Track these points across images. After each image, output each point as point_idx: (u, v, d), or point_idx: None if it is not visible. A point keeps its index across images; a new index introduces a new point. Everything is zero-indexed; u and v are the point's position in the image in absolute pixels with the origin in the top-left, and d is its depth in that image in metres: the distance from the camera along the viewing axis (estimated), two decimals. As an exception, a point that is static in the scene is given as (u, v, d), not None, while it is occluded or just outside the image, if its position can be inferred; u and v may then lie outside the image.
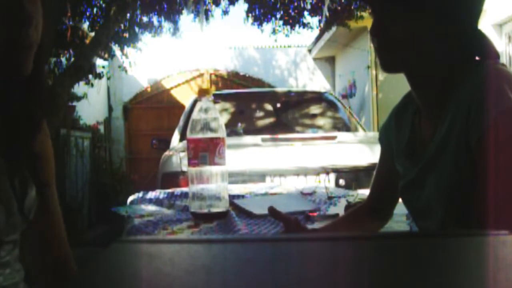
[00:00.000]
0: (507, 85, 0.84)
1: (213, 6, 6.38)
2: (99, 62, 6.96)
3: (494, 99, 0.84)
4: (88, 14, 5.52)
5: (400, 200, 1.19)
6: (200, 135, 1.46)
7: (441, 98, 0.95)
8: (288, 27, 6.54)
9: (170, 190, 2.04)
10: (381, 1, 0.98)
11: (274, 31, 6.67)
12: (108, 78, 8.33)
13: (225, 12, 6.44)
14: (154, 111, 9.36)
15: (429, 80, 0.98)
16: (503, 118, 0.82)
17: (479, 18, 0.97)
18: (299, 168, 3.15)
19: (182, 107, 7.22)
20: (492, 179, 0.84)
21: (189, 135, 1.49)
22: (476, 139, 0.85)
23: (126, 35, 5.98)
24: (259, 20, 6.43)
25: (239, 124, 4.08)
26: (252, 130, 4.03)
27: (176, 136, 4.01)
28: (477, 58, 0.96)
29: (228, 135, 1.71)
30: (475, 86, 0.88)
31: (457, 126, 0.89)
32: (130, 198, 1.95)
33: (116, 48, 6.21)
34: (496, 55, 0.96)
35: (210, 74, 9.62)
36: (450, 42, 0.95)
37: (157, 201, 1.84)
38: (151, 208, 1.74)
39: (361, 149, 3.31)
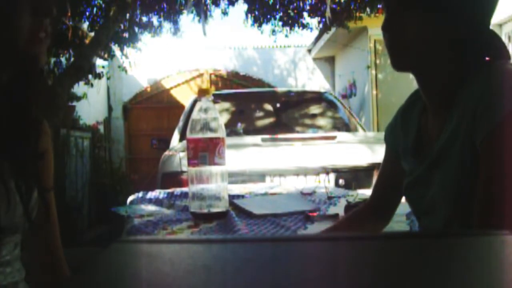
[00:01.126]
0: None
1: (213, 7, 6.39)
2: (99, 62, 6.96)
3: (501, 99, 0.84)
4: (88, 14, 5.52)
5: (401, 200, 1.20)
6: (200, 135, 1.46)
7: (449, 97, 0.95)
8: (287, 27, 6.54)
9: (170, 190, 2.04)
10: None
11: (273, 32, 6.68)
12: (108, 78, 8.33)
13: (225, 13, 6.45)
14: (154, 111, 9.36)
15: (438, 79, 0.98)
16: (509, 119, 0.82)
17: (491, 18, 0.97)
18: (299, 168, 3.15)
19: (182, 107, 7.22)
20: (496, 179, 0.84)
21: (189, 135, 1.49)
22: (482, 139, 0.85)
23: (126, 35, 5.98)
24: (259, 20, 6.43)
25: (239, 124, 4.08)
26: (252, 130, 4.03)
27: (176, 136, 4.01)
28: (487, 58, 0.96)
29: (228, 135, 1.72)
30: (483, 85, 0.87)
31: (463, 125, 0.89)
32: (130, 198, 1.95)
33: (116, 48, 6.21)
34: (508, 56, 0.95)
35: (210, 74, 9.62)
36: (461, 41, 0.95)
37: (157, 201, 1.84)
38: (151, 208, 1.74)
39: (361, 149, 3.31)
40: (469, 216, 0.88)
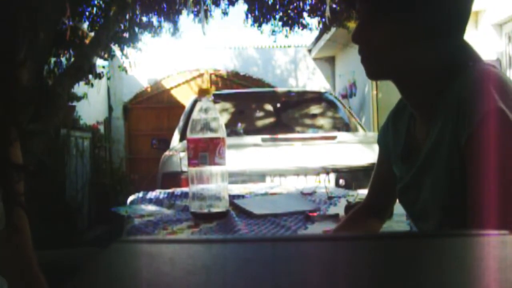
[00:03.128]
0: (493, 85, 0.85)
1: (213, 7, 6.39)
2: (99, 62, 6.95)
3: (481, 99, 0.84)
4: (88, 14, 5.52)
5: (396, 199, 1.20)
6: (200, 135, 1.46)
7: (431, 102, 0.95)
8: (287, 27, 6.54)
9: (170, 190, 2.05)
10: (365, 8, 0.98)
11: (273, 32, 6.68)
12: (108, 78, 8.33)
13: (225, 13, 6.45)
14: (154, 111, 9.36)
15: (416, 86, 0.98)
16: (488, 119, 0.83)
17: (465, 24, 0.97)
18: (299, 168, 3.15)
19: (182, 107, 7.22)
20: (481, 179, 0.84)
21: (189, 135, 1.49)
22: (465, 140, 0.85)
23: (126, 35, 5.98)
24: (259, 21, 6.43)
25: (239, 124, 4.08)
26: (252, 130, 4.03)
27: (176, 136, 4.01)
28: (463, 61, 0.96)
29: (228, 135, 1.72)
30: (464, 87, 0.88)
31: (448, 128, 0.89)
32: (130, 198, 1.96)
33: (116, 48, 6.20)
34: (480, 59, 0.96)
35: (210, 74, 9.62)
36: (436, 47, 0.95)
37: (157, 201, 1.84)
38: (151, 208, 1.74)
39: (361, 149, 3.31)
40: (462, 218, 0.88)
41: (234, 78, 9.63)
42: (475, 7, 1.03)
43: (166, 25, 6.51)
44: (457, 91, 0.89)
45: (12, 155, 0.93)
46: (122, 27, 5.70)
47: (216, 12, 9.96)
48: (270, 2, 6.22)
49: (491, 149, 0.83)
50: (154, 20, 6.39)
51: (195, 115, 1.48)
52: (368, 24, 0.96)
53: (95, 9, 5.59)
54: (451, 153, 0.89)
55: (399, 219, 1.43)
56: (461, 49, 0.96)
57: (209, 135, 1.45)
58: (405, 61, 0.96)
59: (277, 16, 6.44)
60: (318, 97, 4.65)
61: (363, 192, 1.84)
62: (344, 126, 4.19)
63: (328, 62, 9.78)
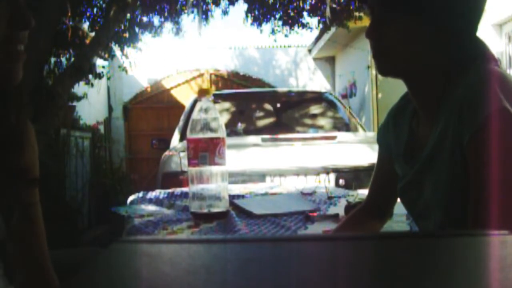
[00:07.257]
0: (498, 85, 0.85)
1: (213, 6, 6.39)
2: (99, 62, 6.95)
3: (485, 99, 0.84)
4: (88, 14, 5.52)
5: (397, 199, 1.20)
6: (200, 135, 1.46)
7: (437, 101, 0.95)
8: (287, 27, 6.55)
9: (170, 190, 2.05)
10: (377, 5, 0.98)
11: (273, 31, 6.68)
12: (108, 78, 8.33)
13: (225, 12, 6.45)
14: (154, 111, 9.36)
15: (426, 84, 0.98)
16: (492, 118, 0.83)
17: (477, 22, 0.97)
18: (299, 168, 3.15)
19: (182, 107, 7.22)
20: (483, 178, 0.84)
21: (189, 135, 1.49)
22: (468, 139, 0.85)
23: (126, 35, 5.98)
24: (259, 20, 6.44)
25: (239, 124, 4.08)
26: (252, 130, 4.03)
27: (176, 136, 4.01)
28: (472, 60, 0.96)
29: (228, 135, 1.72)
30: (468, 86, 0.88)
31: (451, 126, 0.89)
32: (130, 198, 1.96)
33: (116, 48, 6.20)
34: (493, 57, 0.96)
35: (210, 74, 9.62)
36: (446, 45, 0.95)
37: (157, 201, 1.84)
38: (151, 208, 1.74)
39: (361, 149, 3.31)
40: (462, 219, 0.88)
41: (234, 78, 9.63)
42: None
43: (168, 25, 6.52)
44: (462, 89, 0.89)
45: (19, 161, 0.90)
46: (122, 27, 5.70)
47: (216, 11, 9.95)
48: (270, 2, 6.22)
49: (494, 148, 0.83)
50: (156, 20, 6.39)
51: (195, 115, 1.48)
52: (381, 21, 0.96)
53: (95, 9, 5.59)
54: (453, 151, 0.89)
55: (399, 219, 1.43)
56: (472, 47, 0.96)
57: (209, 135, 1.46)
58: (416, 59, 0.96)
59: (277, 16, 6.44)
60: (318, 97, 4.66)
61: (363, 192, 1.84)
62: (344, 126, 4.19)
63: (328, 62, 9.78)
